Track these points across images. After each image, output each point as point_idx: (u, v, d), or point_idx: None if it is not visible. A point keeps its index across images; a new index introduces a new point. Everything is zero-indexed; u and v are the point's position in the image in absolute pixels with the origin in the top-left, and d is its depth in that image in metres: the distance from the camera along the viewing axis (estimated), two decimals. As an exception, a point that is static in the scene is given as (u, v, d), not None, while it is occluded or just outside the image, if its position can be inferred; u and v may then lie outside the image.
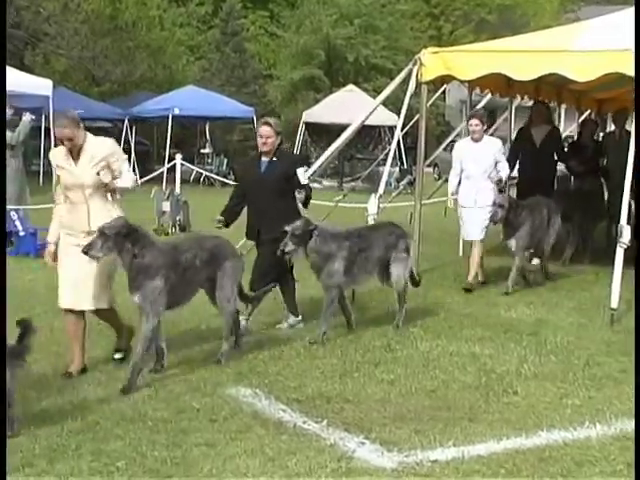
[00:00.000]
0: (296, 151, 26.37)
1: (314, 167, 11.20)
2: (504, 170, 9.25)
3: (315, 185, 19.50)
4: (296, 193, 7.22)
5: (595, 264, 10.31)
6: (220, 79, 31.60)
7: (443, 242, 11.84)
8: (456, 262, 10.58)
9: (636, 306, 6.89)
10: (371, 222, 9.06)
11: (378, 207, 9.25)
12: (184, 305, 6.23)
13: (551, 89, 12.53)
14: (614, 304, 7.65)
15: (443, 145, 15.96)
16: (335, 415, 5.23)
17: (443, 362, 6.44)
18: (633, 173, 8.04)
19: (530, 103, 13.34)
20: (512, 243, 9.14)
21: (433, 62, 9.58)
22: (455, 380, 5.99)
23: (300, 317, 7.51)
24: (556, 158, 10.94)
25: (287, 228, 6.75)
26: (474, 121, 9.09)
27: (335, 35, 33.84)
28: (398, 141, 13.65)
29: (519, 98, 13.16)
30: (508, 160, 9.68)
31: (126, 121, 25.58)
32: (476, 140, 9.14)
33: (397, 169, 24.76)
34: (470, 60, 9.55)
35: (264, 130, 7.24)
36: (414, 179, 12.91)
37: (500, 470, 4.47)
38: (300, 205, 7.35)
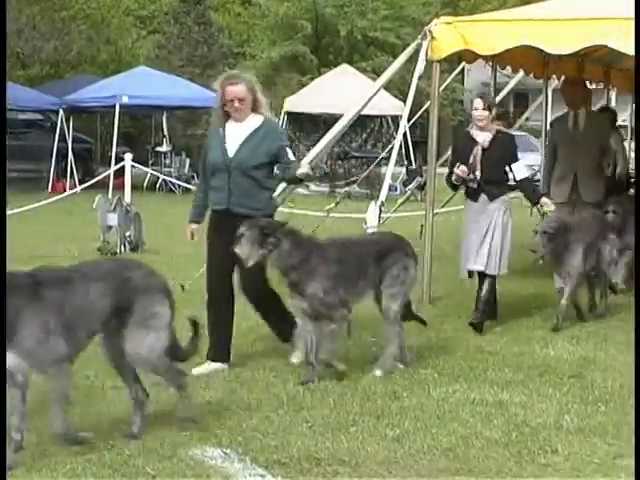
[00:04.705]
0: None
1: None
2: None
3: (300, 190, 19.55)
4: None
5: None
6: (180, 58, 31.73)
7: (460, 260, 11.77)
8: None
9: (636, 317, 6.93)
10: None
11: (379, 218, 9.25)
12: None
13: (598, 68, 12.61)
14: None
15: (461, 139, 15.99)
16: (327, 481, 5.22)
17: (462, 413, 6.42)
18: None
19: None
20: None
21: (447, 35, 9.64)
22: (478, 435, 5.98)
23: None
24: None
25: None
26: None
27: (324, 2, 34.03)
28: (404, 134, 13.69)
29: (556, 79, 13.24)
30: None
31: (61, 112, 25.54)
32: None
33: (403, 170, 24.87)
34: (493, 31, 9.60)
35: None
36: (424, 182, 12.97)
37: None
38: None
